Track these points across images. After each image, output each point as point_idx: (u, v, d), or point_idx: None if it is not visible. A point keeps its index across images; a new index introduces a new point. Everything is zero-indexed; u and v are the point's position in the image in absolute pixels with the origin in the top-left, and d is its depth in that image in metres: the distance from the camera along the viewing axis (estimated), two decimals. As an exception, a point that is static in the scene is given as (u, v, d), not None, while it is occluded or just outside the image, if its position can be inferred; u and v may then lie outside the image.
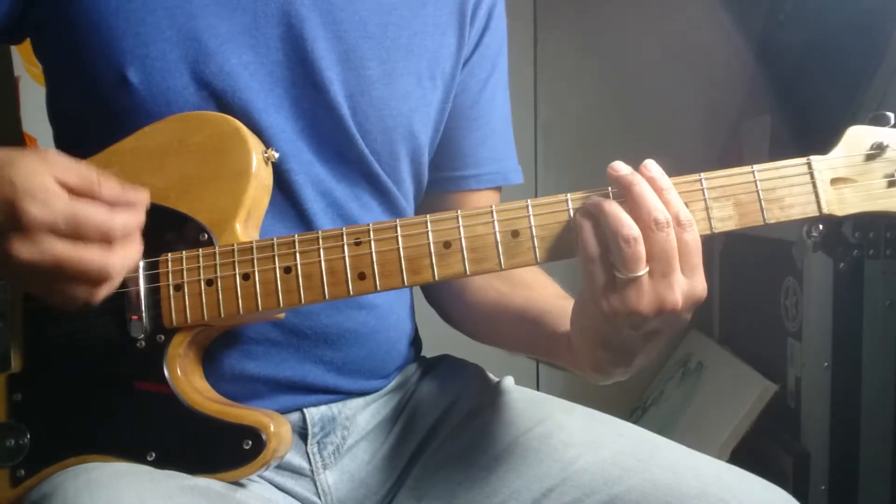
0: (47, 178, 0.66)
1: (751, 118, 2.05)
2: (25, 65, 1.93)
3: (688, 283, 0.66)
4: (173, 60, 0.77)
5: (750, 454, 1.68)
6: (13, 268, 0.66)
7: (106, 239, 0.67)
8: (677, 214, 0.66)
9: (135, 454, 0.74)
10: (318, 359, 0.83)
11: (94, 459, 0.73)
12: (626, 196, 0.67)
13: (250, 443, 0.73)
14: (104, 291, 0.69)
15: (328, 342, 0.83)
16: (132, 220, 0.70)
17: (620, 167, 0.69)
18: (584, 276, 0.68)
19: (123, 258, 0.69)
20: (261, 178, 0.77)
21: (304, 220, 0.82)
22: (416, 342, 0.97)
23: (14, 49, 1.90)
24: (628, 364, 0.73)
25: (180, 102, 0.77)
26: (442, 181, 0.95)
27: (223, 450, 0.73)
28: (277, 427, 0.74)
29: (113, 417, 0.75)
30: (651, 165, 0.68)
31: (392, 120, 0.84)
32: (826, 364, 1.56)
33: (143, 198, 0.71)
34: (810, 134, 1.71)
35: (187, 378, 0.75)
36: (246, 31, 0.79)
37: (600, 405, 0.89)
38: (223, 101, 0.78)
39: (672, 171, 0.69)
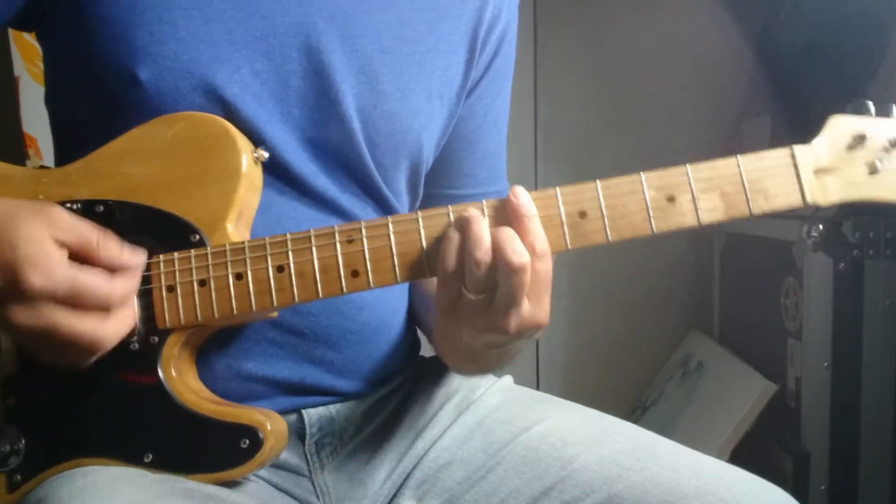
0: (48, 243, 0.67)
1: (751, 118, 2.05)
2: (25, 65, 1.92)
3: (529, 312, 0.68)
4: (185, 62, 0.76)
5: (750, 454, 1.68)
6: (9, 330, 0.68)
7: (103, 308, 0.69)
8: (533, 245, 0.68)
9: (131, 456, 0.73)
10: (316, 360, 0.83)
11: (91, 463, 0.73)
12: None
13: (248, 441, 0.73)
14: (95, 356, 0.70)
15: (328, 343, 0.83)
16: (129, 287, 0.71)
17: (517, 194, 0.69)
18: (437, 285, 0.71)
19: (118, 328, 0.70)
20: (251, 178, 0.76)
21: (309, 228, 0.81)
22: (415, 342, 0.97)
23: (14, 49, 1.90)
24: (476, 363, 0.77)
25: (186, 104, 0.77)
26: (439, 198, 0.95)
27: (220, 449, 0.73)
28: (274, 425, 0.74)
29: (108, 420, 0.74)
30: (519, 192, 0.69)
31: (402, 135, 0.84)
32: (826, 364, 1.56)
33: (140, 261, 0.72)
34: (810, 134, 1.71)
35: (182, 378, 0.75)
36: (262, 38, 0.79)
37: (600, 405, 0.89)
38: (230, 109, 0.78)
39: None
